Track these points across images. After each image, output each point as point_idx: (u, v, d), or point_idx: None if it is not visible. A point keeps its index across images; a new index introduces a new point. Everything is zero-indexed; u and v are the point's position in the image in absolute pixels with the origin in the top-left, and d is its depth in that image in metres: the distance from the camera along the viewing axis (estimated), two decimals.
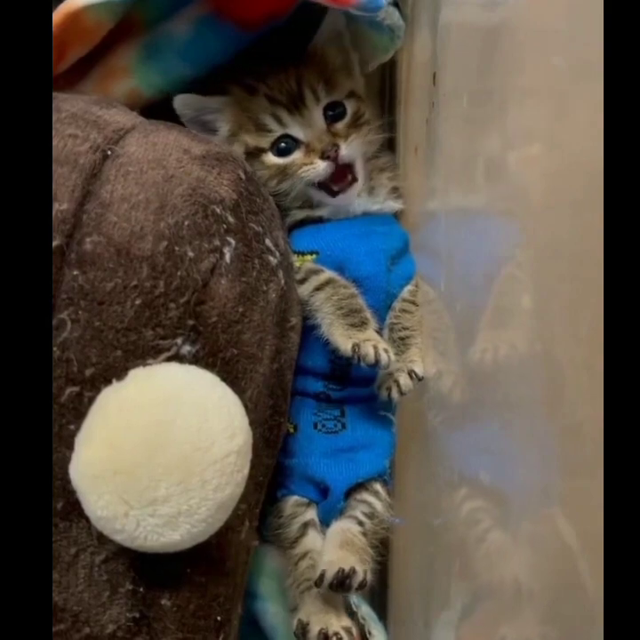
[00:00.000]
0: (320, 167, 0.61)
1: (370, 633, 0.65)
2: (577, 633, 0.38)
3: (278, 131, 0.62)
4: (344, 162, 0.62)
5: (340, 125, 0.63)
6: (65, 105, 0.54)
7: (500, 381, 0.51)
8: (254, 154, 0.63)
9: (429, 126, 0.62)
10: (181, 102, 0.63)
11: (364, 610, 0.66)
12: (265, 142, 0.62)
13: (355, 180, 0.63)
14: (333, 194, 0.63)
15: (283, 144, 0.62)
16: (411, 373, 0.61)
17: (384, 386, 0.61)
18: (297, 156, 0.62)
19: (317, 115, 0.62)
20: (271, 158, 0.62)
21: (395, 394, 0.61)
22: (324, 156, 0.61)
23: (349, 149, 0.62)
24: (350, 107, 0.64)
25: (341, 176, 0.62)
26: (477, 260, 0.56)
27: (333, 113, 0.63)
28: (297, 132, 0.62)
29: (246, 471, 0.47)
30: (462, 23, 0.55)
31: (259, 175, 0.61)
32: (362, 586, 0.56)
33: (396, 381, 0.61)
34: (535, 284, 0.47)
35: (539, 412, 0.44)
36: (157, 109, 0.64)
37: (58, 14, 0.59)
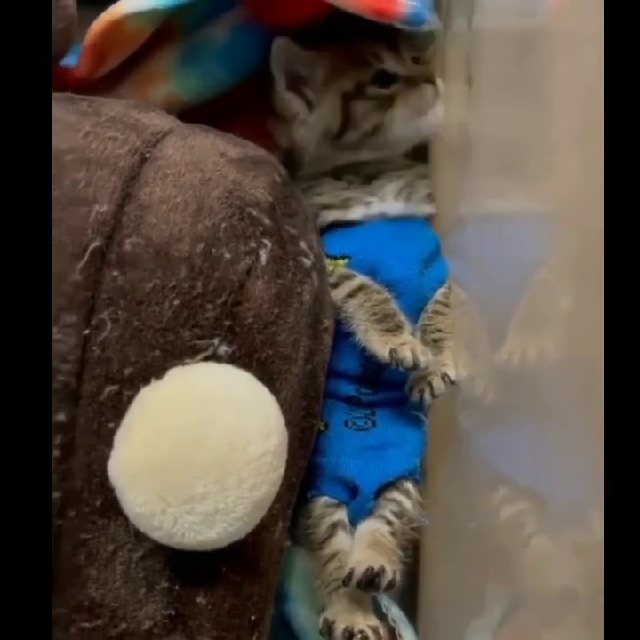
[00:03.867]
0: (427, 90, 0.64)
1: (400, 635, 0.65)
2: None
3: (377, 65, 0.64)
4: (441, 92, 0.64)
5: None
6: (104, 108, 0.55)
7: (533, 385, 0.51)
8: (354, 92, 0.64)
9: (462, 130, 0.62)
10: (281, 47, 0.63)
11: (395, 612, 0.66)
12: (365, 76, 0.64)
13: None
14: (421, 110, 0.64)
15: (381, 78, 0.64)
16: (444, 377, 0.61)
17: (416, 388, 0.61)
18: (398, 86, 0.64)
19: (408, 58, 0.65)
20: (374, 89, 0.64)
21: (427, 396, 0.61)
22: (427, 80, 0.64)
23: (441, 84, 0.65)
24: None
25: None
26: (510, 264, 0.56)
27: (418, 64, 0.66)
28: (395, 67, 0.64)
29: (282, 471, 0.47)
30: (496, 28, 0.56)
31: (359, 115, 0.64)
32: (390, 586, 0.56)
33: (429, 384, 0.61)
34: (568, 288, 0.47)
35: (575, 416, 0.44)
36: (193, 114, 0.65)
37: (99, 22, 0.60)
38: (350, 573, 0.56)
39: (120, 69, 0.65)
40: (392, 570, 0.57)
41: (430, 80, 0.64)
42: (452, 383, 0.61)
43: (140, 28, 0.62)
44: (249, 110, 0.68)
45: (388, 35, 0.63)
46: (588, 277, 0.43)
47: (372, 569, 0.56)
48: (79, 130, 0.51)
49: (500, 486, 0.56)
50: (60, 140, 0.50)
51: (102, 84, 0.65)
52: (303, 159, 0.67)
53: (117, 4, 0.60)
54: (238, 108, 0.68)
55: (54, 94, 0.56)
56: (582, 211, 0.44)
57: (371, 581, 0.56)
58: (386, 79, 0.64)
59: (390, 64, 0.64)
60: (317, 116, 0.66)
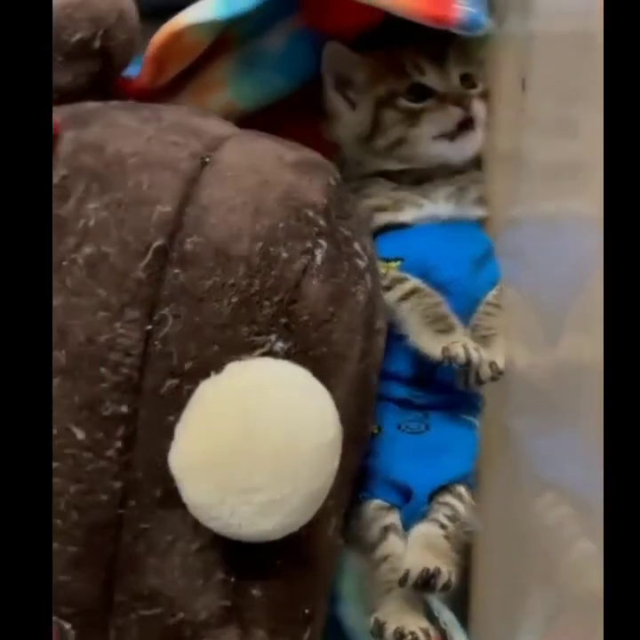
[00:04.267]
0: (454, 113, 0.63)
1: (451, 638, 0.65)
2: None
3: (415, 77, 0.64)
4: (473, 114, 0.64)
5: (472, 91, 0.65)
6: (166, 114, 0.57)
7: (585, 388, 0.51)
8: (386, 100, 0.65)
9: (517, 132, 0.63)
10: (332, 50, 0.65)
11: (446, 616, 0.66)
12: (400, 87, 0.65)
13: (474, 129, 0.65)
14: (452, 137, 0.64)
15: (416, 90, 0.64)
16: (491, 364, 0.60)
17: (462, 374, 0.61)
18: (429, 103, 0.64)
19: (455, 74, 0.65)
20: (404, 102, 0.65)
21: (472, 380, 0.61)
22: (457, 103, 0.63)
23: (480, 109, 0.64)
24: (480, 86, 0.66)
25: (463, 125, 0.64)
26: (564, 265, 0.56)
27: (467, 82, 0.66)
28: (433, 82, 0.64)
29: (336, 464, 0.48)
30: (551, 31, 0.56)
31: (387, 124, 0.64)
32: (446, 587, 0.56)
33: (476, 372, 0.60)
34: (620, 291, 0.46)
35: None
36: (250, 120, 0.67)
37: (161, 34, 0.62)
38: (406, 574, 0.56)
39: (178, 79, 0.68)
40: (448, 571, 0.57)
41: (463, 104, 0.63)
42: (500, 373, 0.60)
43: (198, 39, 0.64)
44: (304, 116, 0.69)
45: (440, 45, 0.64)
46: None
47: (428, 570, 0.56)
48: (142, 134, 0.53)
49: (547, 490, 0.56)
50: (123, 144, 0.52)
51: (161, 93, 0.67)
52: (345, 159, 0.68)
53: (178, 16, 0.63)
54: (294, 114, 0.69)
55: (118, 102, 0.59)
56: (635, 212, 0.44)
57: (426, 582, 0.56)
58: (421, 93, 0.64)
59: (431, 78, 0.64)
60: (354, 118, 0.67)
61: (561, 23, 0.54)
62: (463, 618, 0.69)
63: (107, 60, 0.59)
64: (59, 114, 0.54)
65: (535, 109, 0.60)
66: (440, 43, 0.65)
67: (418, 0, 0.59)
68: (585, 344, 0.52)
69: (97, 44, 0.58)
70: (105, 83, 0.60)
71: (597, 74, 0.48)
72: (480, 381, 0.61)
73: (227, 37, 0.67)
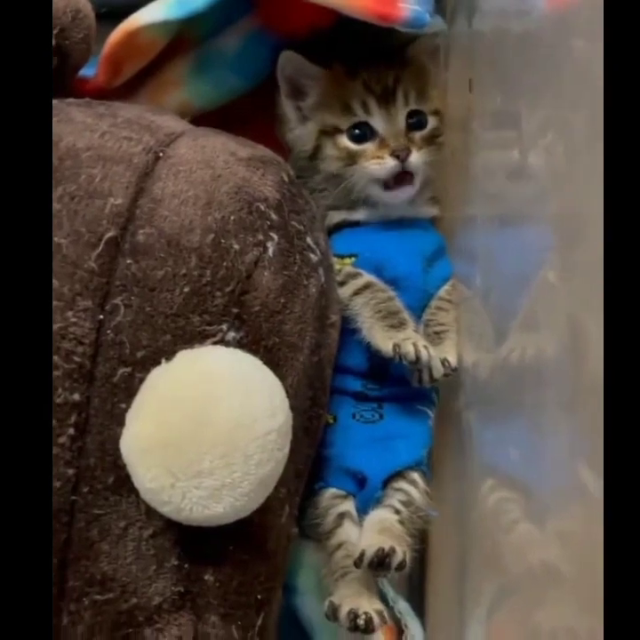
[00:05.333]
0: (388, 164, 0.64)
1: (406, 626, 0.66)
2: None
3: (361, 117, 0.65)
4: (410, 168, 0.65)
5: (417, 134, 0.66)
6: (121, 111, 0.58)
7: (530, 381, 0.52)
8: (329, 133, 0.66)
9: (466, 133, 0.64)
10: (287, 58, 0.66)
11: (401, 605, 0.68)
12: (344, 124, 0.65)
13: (411, 184, 0.66)
14: (388, 187, 0.65)
15: (359, 131, 0.65)
16: (443, 361, 0.62)
17: (416, 372, 0.63)
18: (369, 146, 0.65)
19: (401, 116, 0.66)
20: (344, 141, 0.65)
21: (426, 378, 0.62)
22: (394, 154, 0.64)
23: (419, 158, 0.65)
24: (431, 122, 0.67)
25: (401, 178, 0.65)
26: (512, 264, 0.58)
27: (414, 121, 0.66)
28: (378, 124, 0.65)
29: (286, 450, 0.49)
30: (495, 30, 0.58)
31: (326, 155, 0.65)
32: (401, 566, 0.58)
33: (428, 369, 0.62)
34: (566, 289, 0.48)
35: (564, 412, 0.45)
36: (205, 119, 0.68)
37: (116, 33, 0.63)
38: (361, 555, 0.57)
39: (135, 79, 0.69)
40: (402, 551, 0.58)
41: (400, 157, 0.64)
42: (453, 369, 0.62)
43: (153, 39, 0.65)
44: (258, 117, 0.70)
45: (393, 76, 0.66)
46: (587, 279, 0.44)
47: (383, 549, 0.57)
48: (96, 130, 0.54)
49: (492, 478, 0.57)
50: (77, 139, 0.53)
51: (118, 93, 0.68)
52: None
53: (133, 16, 0.64)
54: (248, 114, 0.71)
55: (73, 100, 0.59)
56: (583, 212, 0.45)
57: (382, 561, 0.57)
58: (364, 131, 0.65)
59: (376, 119, 0.65)
60: (300, 133, 0.68)
61: (503, 21, 0.56)
62: (419, 607, 0.71)
63: (62, 58, 0.60)
64: None
65: (482, 109, 0.61)
66: (393, 75, 0.66)
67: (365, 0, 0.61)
68: (528, 341, 0.53)
69: (52, 42, 0.58)
70: (61, 81, 0.61)
71: (540, 72, 0.50)
72: (433, 379, 0.63)
73: (183, 37, 0.68)
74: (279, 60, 0.66)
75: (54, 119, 0.55)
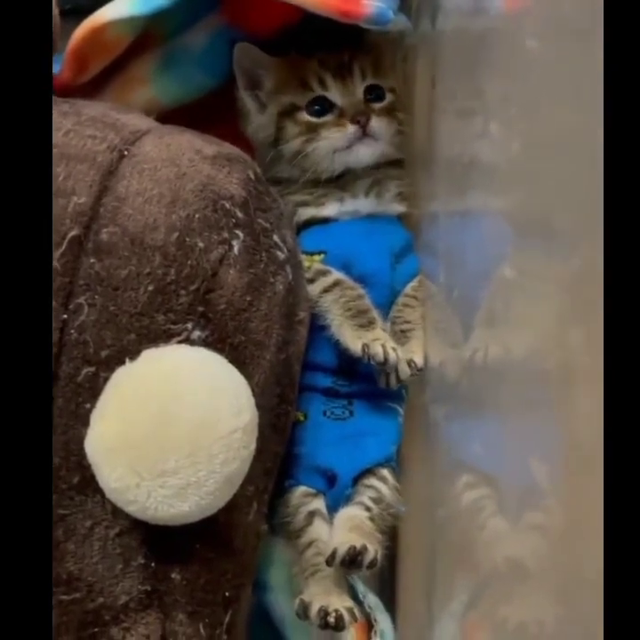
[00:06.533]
0: (349, 130, 0.65)
1: (376, 621, 0.66)
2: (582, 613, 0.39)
3: (318, 91, 0.66)
4: (371, 133, 0.65)
5: (376, 105, 0.67)
6: (85, 109, 0.57)
7: (495, 379, 0.53)
8: (288, 112, 0.66)
9: (429, 130, 0.65)
10: (242, 50, 0.66)
11: (371, 599, 0.68)
12: (302, 100, 0.66)
13: (373, 139, 0.66)
14: (348, 146, 0.65)
15: (317, 106, 0.66)
16: (410, 363, 0.62)
17: (383, 374, 0.63)
18: (328, 118, 0.66)
19: (359, 88, 0.66)
20: (304, 116, 0.66)
21: (393, 380, 0.63)
22: (353, 121, 0.64)
23: (380, 125, 0.65)
24: (389, 97, 0.68)
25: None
26: (474, 260, 0.58)
27: (372, 96, 0.67)
28: (335, 97, 0.66)
29: (252, 448, 0.49)
30: (455, 29, 0.58)
31: (288, 135, 0.66)
32: (372, 564, 0.58)
33: (395, 371, 0.62)
34: (526, 285, 0.48)
35: (533, 408, 0.45)
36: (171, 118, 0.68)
37: (81, 29, 0.63)
38: (333, 553, 0.58)
39: (101, 76, 0.68)
40: (374, 549, 0.58)
41: (360, 122, 0.64)
42: (419, 370, 0.63)
43: (119, 35, 0.65)
44: (225, 116, 0.70)
45: (347, 56, 0.66)
46: (546, 274, 0.45)
47: (355, 548, 0.57)
48: (60, 128, 0.54)
49: (462, 474, 0.57)
50: None
51: (84, 90, 0.68)
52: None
53: (98, 12, 0.63)
54: (215, 112, 0.70)
55: None
56: (540, 207, 0.46)
57: (353, 559, 0.57)
58: (323, 106, 0.66)
59: (333, 92, 0.66)
60: (261, 121, 0.69)
61: (464, 21, 0.56)
62: (389, 602, 0.71)
63: None
64: None
65: (442, 106, 0.62)
66: (348, 54, 0.67)
67: None
68: (491, 337, 0.53)
69: None
70: None
71: (493, 70, 0.51)
72: (400, 380, 0.63)
73: (149, 34, 0.68)
74: (234, 52, 0.67)
75: None
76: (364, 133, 0.65)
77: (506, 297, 0.52)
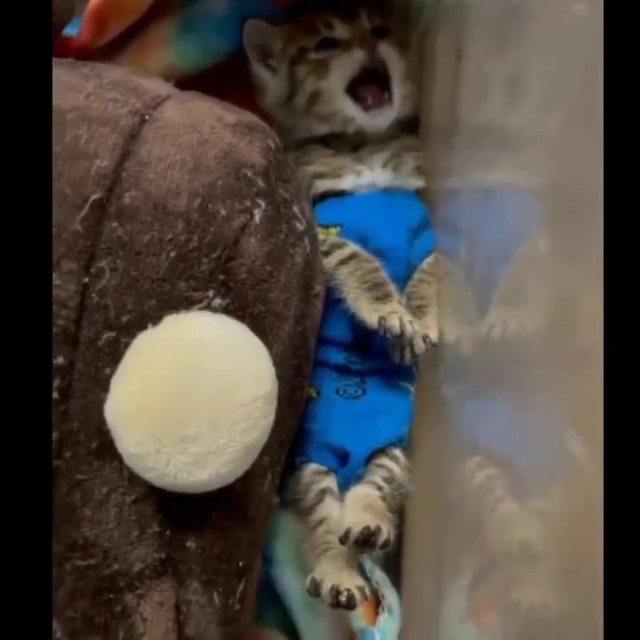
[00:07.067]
0: (357, 54, 0.65)
1: (383, 596, 0.67)
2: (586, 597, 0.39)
3: (325, 33, 0.67)
4: (381, 58, 0.65)
5: (383, 39, 0.66)
6: (106, 73, 0.57)
7: (511, 357, 0.52)
8: (298, 56, 0.67)
9: (452, 104, 0.64)
10: (251, 27, 0.68)
11: (378, 575, 0.68)
12: (310, 43, 0.67)
13: (391, 101, 0.66)
14: (367, 108, 0.66)
15: (326, 44, 0.66)
16: (425, 338, 0.62)
17: (397, 348, 0.63)
18: (337, 51, 0.66)
19: (366, 25, 0.67)
20: (313, 55, 0.67)
21: (407, 355, 0.63)
22: (361, 45, 0.65)
23: (388, 51, 0.65)
24: (395, 37, 0.68)
25: (378, 93, 0.66)
26: (497, 236, 0.58)
27: (380, 34, 0.67)
28: (341, 34, 0.66)
29: (271, 418, 0.49)
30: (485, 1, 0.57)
31: (300, 80, 0.66)
32: (386, 545, 0.58)
33: (410, 345, 0.62)
34: (549, 262, 0.48)
35: (549, 390, 0.45)
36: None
37: None
38: (347, 532, 0.57)
39: (119, 40, 0.68)
40: (387, 530, 0.58)
41: (367, 47, 0.65)
42: (433, 345, 0.62)
43: None
44: (238, 83, 0.70)
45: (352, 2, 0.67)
46: (576, 251, 0.44)
47: (369, 528, 0.57)
48: (81, 91, 0.53)
49: (474, 454, 0.57)
50: (62, 100, 0.52)
51: (102, 53, 0.67)
52: (281, 128, 0.69)
53: None
54: (229, 79, 0.70)
55: (57, 59, 0.58)
56: (570, 182, 0.45)
57: (367, 540, 0.57)
58: (330, 45, 0.66)
59: (339, 31, 0.67)
60: (275, 82, 0.69)
61: None
62: (395, 578, 0.71)
63: None
64: None
65: (470, 80, 0.61)
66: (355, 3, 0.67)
67: None
68: (511, 315, 0.53)
69: None
70: None
71: (529, 45, 0.50)
72: (414, 355, 0.63)
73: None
74: (245, 30, 0.68)
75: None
76: (373, 58, 0.65)
77: (526, 275, 0.51)
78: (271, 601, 0.70)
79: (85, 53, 0.64)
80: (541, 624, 0.44)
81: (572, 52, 0.43)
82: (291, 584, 0.68)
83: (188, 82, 0.68)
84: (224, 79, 0.70)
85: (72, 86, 0.53)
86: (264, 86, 0.70)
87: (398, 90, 0.67)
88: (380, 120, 0.67)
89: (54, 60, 0.58)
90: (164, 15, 0.68)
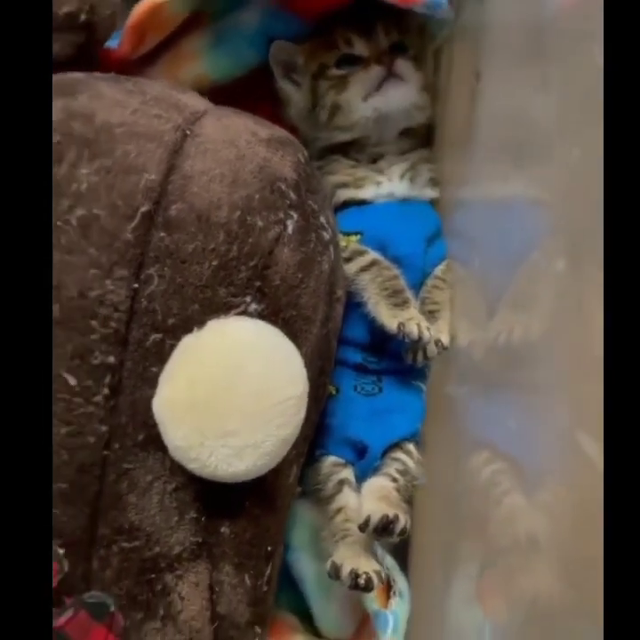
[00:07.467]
0: (374, 70, 0.69)
1: (394, 581, 0.71)
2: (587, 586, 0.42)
3: (344, 49, 0.70)
4: (398, 72, 0.69)
5: (400, 55, 0.70)
6: (147, 88, 0.60)
7: (518, 360, 0.56)
8: (319, 72, 0.71)
9: (468, 119, 0.68)
10: (277, 48, 0.72)
11: (389, 561, 0.72)
12: (330, 60, 0.71)
13: (402, 81, 0.70)
14: (378, 88, 0.69)
15: (346, 60, 0.70)
16: (437, 342, 0.66)
17: (411, 350, 0.67)
18: (356, 68, 0.70)
19: (383, 42, 0.70)
20: (334, 71, 0.71)
21: (420, 358, 0.67)
22: (379, 62, 0.69)
23: (405, 66, 0.69)
24: (412, 52, 0.72)
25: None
26: (507, 246, 0.61)
27: (397, 50, 0.71)
28: (361, 50, 0.70)
29: (303, 415, 0.53)
30: (506, 22, 0.60)
31: (322, 94, 0.71)
32: (403, 532, 0.62)
33: (423, 348, 0.66)
34: (557, 272, 0.51)
35: (553, 390, 0.49)
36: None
37: (142, 5, 0.66)
38: (366, 520, 0.61)
39: (154, 50, 0.71)
40: (404, 518, 0.62)
41: (384, 63, 0.69)
42: (445, 348, 0.67)
43: (176, 13, 0.68)
44: (266, 94, 0.74)
45: (371, 17, 0.70)
46: (579, 262, 0.48)
47: (388, 516, 0.61)
48: (127, 106, 0.57)
49: (482, 450, 0.60)
50: (110, 115, 0.56)
51: (139, 63, 0.71)
52: (304, 140, 0.72)
53: None
54: (259, 90, 0.74)
55: (100, 74, 0.62)
56: (577, 198, 0.48)
57: (386, 527, 0.61)
58: (350, 61, 0.70)
59: (358, 48, 0.70)
60: (299, 96, 0.74)
61: (516, 13, 0.58)
62: (403, 564, 0.75)
63: (90, 32, 0.62)
64: None
65: (488, 99, 0.64)
66: (371, 15, 0.70)
67: None
68: (518, 320, 0.56)
69: (83, 17, 0.60)
70: (88, 54, 0.63)
71: (545, 65, 0.53)
72: (428, 358, 0.67)
73: (201, 12, 0.71)
74: (271, 50, 0.72)
75: (85, 94, 0.57)
76: (391, 73, 0.69)
77: (533, 283, 0.55)
78: (284, 585, 0.74)
79: (124, 64, 0.68)
80: (545, 611, 0.47)
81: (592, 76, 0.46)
82: (306, 569, 0.72)
83: (218, 90, 0.72)
84: (252, 88, 0.74)
85: (118, 102, 0.57)
86: (288, 99, 0.74)
87: (411, 85, 0.70)
88: (394, 99, 0.70)
89: (98, 75, 0.62)
90: (196, 28, 0.71)
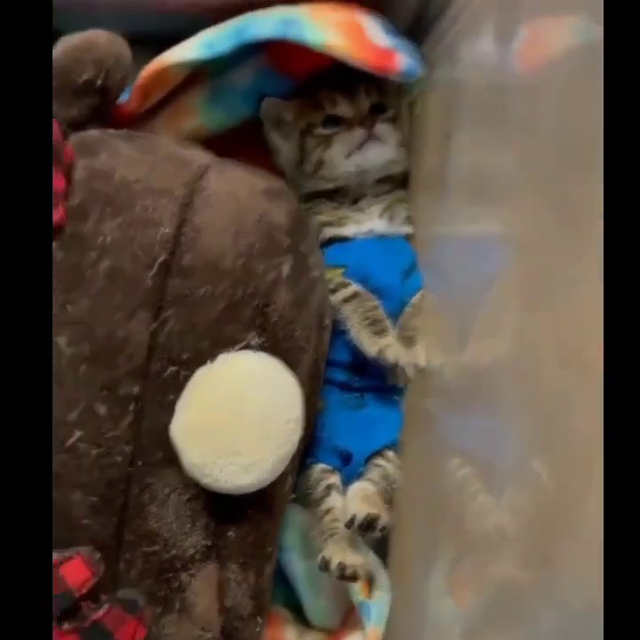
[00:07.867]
0: (356, 133, 0.77)
1: (376, 574, 0.78)
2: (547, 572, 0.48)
3: (329, 110, 0.78)
4: (378, 135, 0.77)
5: (380, 116, 0.78)
6: (156, 146, 0.67)
7: (487, 379, 0.61)
8: (307, 130, 0.79)
9: (440, 168, 0.75)
10: (270, 104, 0.79)
11: (372, 557, 0.79)
12: (317, 119, 0.78)
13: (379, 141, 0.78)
14: (359, 147, 0.77)
15: (330, 121, 0.78)
16: (414, 365, 0.73)
17: (392, 373, 0.75)
18: (340, 129, 0.78)
19: (365, 104, 0.78)
20: (320, 130, 0.78)
21: (401, 380, 0.75)
22: (360, 124, 0.77)
23: (384, 128, 0.77)
24: (391, 112, 0.79)
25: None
26: (473, 278, 0.67)
27: (377, 110, 0.78)
28: (344, 111, 0.77)
29: (299, 435, 0.61)
30: (473, 82, 0.66)
31: (309, 149, 0.78)
32: (384, 529, 0.69)
33: (403, 370, 0.74)
34: (518, 302, 0.56)
35: (514, 403, 0.54)
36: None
37: (150, 68, 0.73)
38: (352, 519, 0.69)
39: (156, 104, 0.79)
40: (386, 517, 0.70)
41: (366, 126, 0.77)
42: (422, 371, 0.74)
43: (179, 73, 0.76)
44: (258, 141, 0.82)
45: (355, 78, 0.77)
46: (533, 292, 0.53)
47: (371, 515, 0.69)
48: (142, 164, 0.63)
49: (455, 457, 0.66)
50: (127, 172, 0.63)
51: (142, 116, 0.78)
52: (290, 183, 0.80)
53: (166, 53, 0.73)
54: (251, 138, 0.82)
55: (114, 131, 0.69)
56: (534, 236, 0.53)
57: (369, 525, 0.69)
58: (335, 121, 0.78)
59: (342, 108, 0.78)
60: (288, 148, 0.81)
61: (481, 74, 0.64)
62: (384, 559, 0.82)
63: (105, 95, 0.68)
64: (69, 142, 0.64)
65: (457, 152, 0.72)
66: (353, 75, 0.77)
67: (366, 52, 0.72)
68: (485, 345, 0.62)
69: (99, 82, 0.66)
70: (103, 114, 0.69)
71: (507, 123, 0.60)
72: (406, 379, 0.75)
73: (199, 71, 0.78)
74: (262, 106, 0.79)
75: (104, 152, 0.64)
76: (371, 135, 0.77)
77: (500, 313, 0.62)
78: (277, 582, 0.81)
79: (131, 117, 0.76)
80: (510, 597, 0.53)
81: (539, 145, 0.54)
82: (296, 567, 0.80)
83: (213, 139, 0.80)
84: (244, 137, 0.82)
85: (133, 160, 0.64)
86: (278, 150, 0.82)
87: (389, 146, 0.79)
88: (374, 156, 0.78)
89: (112, 132, 0.68)
90: (196, 85, 0.78)
